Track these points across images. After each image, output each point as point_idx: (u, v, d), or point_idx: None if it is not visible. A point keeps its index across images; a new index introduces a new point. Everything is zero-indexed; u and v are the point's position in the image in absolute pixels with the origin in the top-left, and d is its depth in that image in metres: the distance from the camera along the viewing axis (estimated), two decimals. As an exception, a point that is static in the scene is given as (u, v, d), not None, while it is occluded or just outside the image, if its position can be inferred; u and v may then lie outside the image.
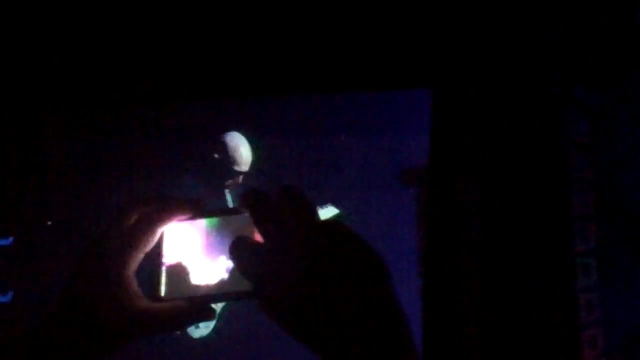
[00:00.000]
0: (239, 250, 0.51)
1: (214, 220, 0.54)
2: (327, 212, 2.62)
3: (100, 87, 1.69)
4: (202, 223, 0.54)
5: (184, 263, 0.53)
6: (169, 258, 0.53)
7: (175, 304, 0.52)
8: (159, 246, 0.53)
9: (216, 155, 2.41)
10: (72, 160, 2.36)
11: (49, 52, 1.64)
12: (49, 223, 2.45)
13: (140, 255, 0.52)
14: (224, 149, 2.40)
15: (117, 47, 1.63)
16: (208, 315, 0.52)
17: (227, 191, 2.61)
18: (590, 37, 1.45)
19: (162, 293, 0.53)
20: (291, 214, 0.50)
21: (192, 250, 0.54)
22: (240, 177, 2.44)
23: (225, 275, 0.52)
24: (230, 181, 2.51)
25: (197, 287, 0.53)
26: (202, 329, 2.60)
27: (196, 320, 0.53)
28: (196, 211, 0.53)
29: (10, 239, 2.21)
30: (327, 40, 1.59)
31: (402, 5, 1.54)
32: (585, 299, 1.48)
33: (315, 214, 0.50)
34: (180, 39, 1.63)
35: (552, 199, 1.47)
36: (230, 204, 2.67)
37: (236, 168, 2.45)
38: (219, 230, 0.53)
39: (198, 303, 0.52)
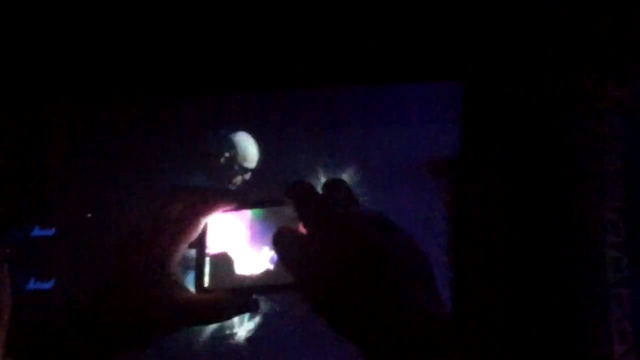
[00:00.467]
0: (282, 240, 0.52)
1: (258, 211, 0.55)
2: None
3: (118, 80, 1.72)
4: (246, 214, 0.55)
5: (228, 254, 0.54)
6: (213, 249, 0.54)
7: (219, 295, 0.53)
8: (203, 237, 0.54)
9: (227, 154, 2.53)
10: (112, 154, 2.47)
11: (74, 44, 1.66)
12: (89, 215, 2.59)
13: (184, 246, 0.53)
14: (234, 147, 2.52)
15: (122, 42, 1.65)
16: (252, 306, 0.53)
17: (234, 188, 2.75)
18: (622, 30, 1.44)
19: (206, 284, 0.54)
20: (336, 206, 0.51)
21: (236, 241, 0.54)
22: (249, 174, 2.53)
23: (270, 267, 0.53)
24: (239, 177, 2.61)
25: (241, 278, 0.53)
26: (247, 323, 2.66)
27: (239, 311, 0.54)
28: (240, 202, 0.54)
29: (53, 229, 2.45)
30: (357, 31, 1.59)
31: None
32: (615, 293, 1.48)
33: (358, 206, 0.51)
34: (184, 30, 1.64)
35: (583, 192, 1.47)
36: None
37: (246, 165, 2.55)
38: (263, 221, 0.54)
39: (242, 294, 0.53)
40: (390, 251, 0.47)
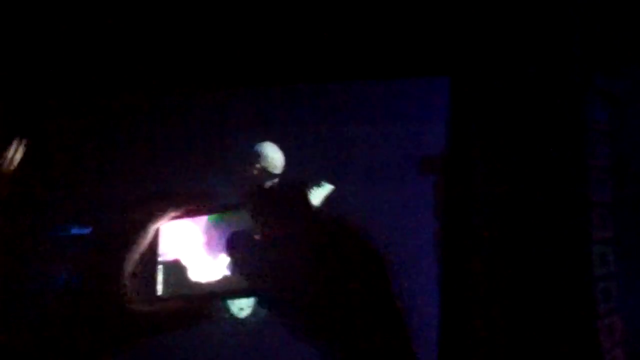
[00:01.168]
0: (236, 246, 0.51)
1: (215, 216, 0.53)
2: (322, 190, 2.67)
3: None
4: (203, 220, 0.53)
5: (182, 261, 0.52)
6: (166, 256, 0.52)
7: (172, 304, 0.51)
8: (155, 244, 0.52)
9: (258, 166, 2.61)
10: (149, 154, 2.52)
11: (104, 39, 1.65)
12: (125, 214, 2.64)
13: (134, 255, 0.51)
14: (264, 158, 2.60)
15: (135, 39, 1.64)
16: (205, 314, 0.52)
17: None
18: (610, 23, 1.44)
19: (159, 292, 0.52)
20: (290, 209, 0.50)
21: (192, 247, 0.53)
22: (277, 180, 2.61)
23: (227, 273, 0.51)
24: (269, 183, 2.68)
25: (197, 285, 0.52)
26: (246, 310, 2.73)
27: (193, 320, 0.53)
28: (190, 208, 0.53)
29: (89, 228, 2.40)
30: (344, 28, 1.59)
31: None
32: (602, 288, 1.48)
33: (314, 210, 0.50)
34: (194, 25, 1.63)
35: (570, 187, 1.47)
36: None
37: (275, 172, 2.63)
38: (220, 226, 0.52)
39: (196, 302, 0.51)
40: (342, 252, 0.47)
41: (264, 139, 2.87)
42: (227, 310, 2.66)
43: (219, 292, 0.52)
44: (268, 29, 1.61)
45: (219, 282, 0.52)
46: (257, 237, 0.50)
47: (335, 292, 0.47)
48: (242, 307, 2.66)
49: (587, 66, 1.45)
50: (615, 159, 1.47)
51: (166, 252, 0.53)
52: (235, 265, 0.51)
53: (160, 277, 0.53)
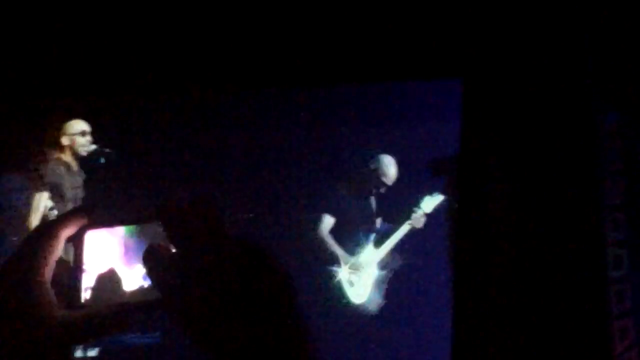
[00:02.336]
0: (150, 258, 0.51)
1: (132, 228, 0.54)
2: (434, 200, 2.72)
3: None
4: (120, 231, 0.54)
5: (105, 270, 0.53)
6: (89, 265, 0.53)
7: (90, 312, 0.52)
8: (79, 253, 0.53)
9: (371, 166, 2.69)
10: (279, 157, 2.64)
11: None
12: (251, 215, 2.75)
13: (49, 263, 0.52)
14: (378, 163, 2.68)
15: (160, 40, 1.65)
16: (123, 323, 0.52)
17: (372, 198, 2.90)
18: (621, 30, 1.44)
19: (82, 300, 0.52)
20: (201, 224, 0.50)
21: (112, 257, 0.53)
22: (385, 188, 2.70)
23: (143, 283, 0.52)
24: (375, 190, 2.76)
25: (117, 294, 0.52)
26: (363, 296, 2.85)
27: (112, 329, 0.53)
28: (87, 216, 0.53)
29: None
30: (357, 30, 1.59)
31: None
32: (616, 290, 1.47)
33: (224, 226, 0.50)
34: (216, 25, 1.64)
35: (583, 190, 1.46)
36: (374, 209, 2.82)
37: (384, 180, 2.70)
38: (139, 238, 0.53)
39: (115, 311, 0.52)
40: (249, 271, 0.48)
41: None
42: (345, 297, 2.78)
43: (136, 303, 0.53)
44: (286, 35, 1.61)
45: (136, 292, 0.52)
46: (170, 249, 0.51)
47: (235, 310, 0.48)
48: (359, 293, 2.82)
49: (598, 71, 1.44)
50: (626, 161, 1.47)
51: (90, 261, 0.54)
52: (149, 276, 0.51)
53: (83, 286, 0.53)
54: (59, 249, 0.53)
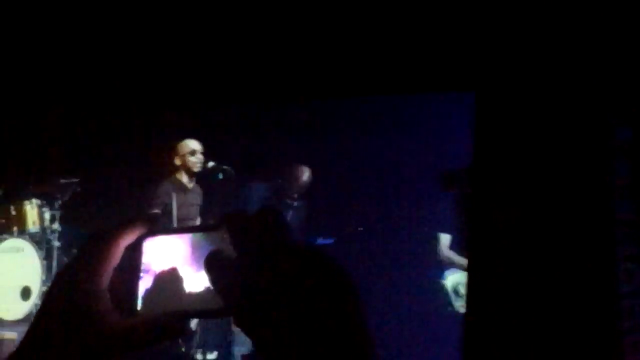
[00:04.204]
0: (213, 264, 0.52)
1: (196, 236, 0.54)
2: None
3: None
4: (185, 238, 0.54)
5: (164, 277, 0.53)
6: (148, 272, 0.54)
7: (148, 319, 0.52)
8: (137, 261, 0.53)
9: (280, 181, 2.88)
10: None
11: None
12: (360, 229, 2.85)
13: (106, 270, 0.53)
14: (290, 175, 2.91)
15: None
16: (182, 331, 0.53)
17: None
18: (634, 46, 1.43)
19: (139, 307, 0.53)
20: (267, 233, 0.51)
21: (174, 265, 0.54)
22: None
23: (206, 291, 0.52)
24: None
25: (175, 302, 0.53)
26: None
27: (169, 336, 0.54)
28: (148, 225, 0.54)
29: (332, 239, 2.89)
30: (370, 42, 1.60)
31: (448, 9, 1.54)
32: (628, 305, 1.46)
33: (289, 236, 0.51)
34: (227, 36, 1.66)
35: (595, 204, 1.46)
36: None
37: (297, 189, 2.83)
38: (200, 246, 0.53)
39: (173, 319, 0.52)
40: (314, 278, 0.48)
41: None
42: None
43: (197, 310, 0.53)
44: (300, 46, 1.63)
45: (196, 300, 0.53)
46: (234, 256, 0.51)
47: (300, 317, 0.49)
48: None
49: (610, 87, 1.43)
50: (638, 177, 1.46)
51: (148, 268, 0.54)
52: (212, 283, 0.52)
53: (140, 293, 0.54)
54: (117, 257, 0.54)
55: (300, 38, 1.62)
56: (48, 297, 0.53)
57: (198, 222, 2.76)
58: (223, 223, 0.53)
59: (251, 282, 0.50)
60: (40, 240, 3.28)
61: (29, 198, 3.19)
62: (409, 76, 1.59)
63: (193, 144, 2.83)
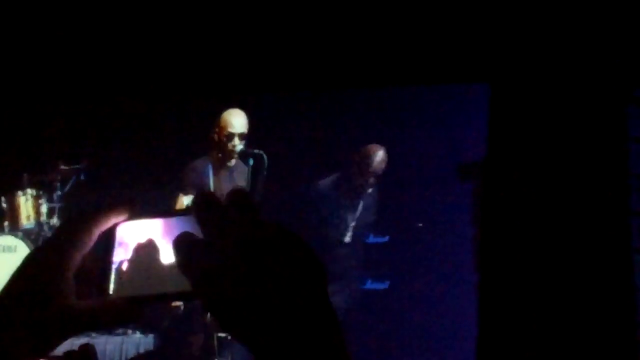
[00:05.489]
0: (181, 245, 0.52)
1: (171, 220, 0.55)
2: None
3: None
4: (156, 223, 0.54)
5: (136, 262, 0.54)
6: (120, 257, 0.54)
7: (107, 303, 0.53)
8: (109, 245, 0.54)
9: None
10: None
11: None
12: (420, 224, 2.82)
13: (76, 255, 0.53)
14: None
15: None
16: (137, 317, 0.53)
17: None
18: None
19: (111, 292, 0.54)
20: (235, 214, 0.51)
21: (145, 249, 0.54)
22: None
23: (175, 275, 0.53)
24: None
25: (146, 286, 0.53)
26: None
27: (124, 320, 0.54)
28: (127, 212, 0.54)
29: (387, 237, 2.82)
30: (385, 33, 1.60)
31: (463, 2, 1.54)
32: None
33: (258, 216, 0.51)
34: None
35: (610, 197, 1.46)
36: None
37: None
38: (171, 230, 0.54)
39: (147, 302, 0.53)
40: (282, 259, 0.49)
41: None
42: None
43: (163, 294, 0.53)
44: (316, 37, 1.62)
45: (165, 284, 0.53)
46: (200, 239, 0.52)
47: (268, 297, 0.49)
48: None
49: (628, 77, 1.44)
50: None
51: (121, 252, 0.55)
52: (178, 266, 0.52)
53: (112, 277, 0.55)
54: (90, 241, 0.55)
55: (316, 31, 1.61)
56: (15, 276, 0.54)
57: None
58: (192, 207, 0.54)
59: (219, 262, 0.51)
60: (36, 238, 2.91)
61: (22, 188, 2.90)
62: (421, 68, 1.58)
63: (236, 120, 2.57)
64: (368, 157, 2.66)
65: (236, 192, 0.52)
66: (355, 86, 1.73)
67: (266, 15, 1.63)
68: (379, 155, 2.67)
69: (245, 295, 0.49)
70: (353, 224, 2.73)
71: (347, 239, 2.70)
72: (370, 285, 2.67)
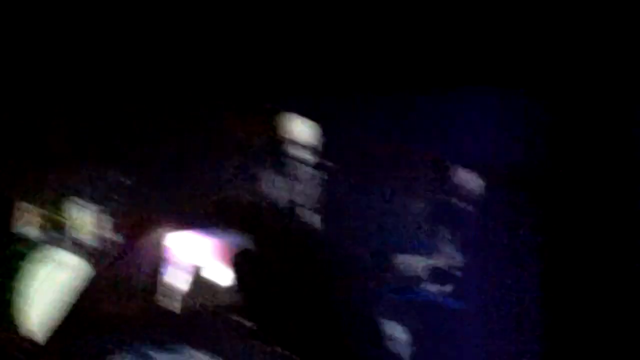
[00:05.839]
0: (238, 261, 0.53)
1: (216, 232, 0.56)
2: None
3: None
4: (204, 236, 0.56)
5: (194, 271, 0.55)
6: (169, 268, 0.55)
7: (179, 306, 0.54)
8: (158, 257, 0.55)
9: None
10: None
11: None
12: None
13: (127, 266, 0.54)
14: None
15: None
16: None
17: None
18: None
19: (160, 299, 0.55)
20: (282, 230, 0.52)
21: (203, 260, 0.55)
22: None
23: (230, 285, 0.53)
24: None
25: (204, 295, 0.54)
26: None
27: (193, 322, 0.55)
28: (176, 224, 0.55)
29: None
30: (426, 37, 1.60)
31: (496, 4, 1.54)
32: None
33: (306, 229, 0.52)
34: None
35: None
36: None
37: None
38: (219, 242, 0.54)
39: (185, 313, 0.54)
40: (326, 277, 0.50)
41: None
42: None
43: (220, 306, 0.54)
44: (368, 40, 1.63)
45: (222, 293, 0.54)
46: (255, 253, 0.52)
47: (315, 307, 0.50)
48: None
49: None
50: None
51: (170, 263, 0.56)
52: (236, 278, 0.53)
53: (161, 287, 0.56)
54: (142, 254, 0.56)
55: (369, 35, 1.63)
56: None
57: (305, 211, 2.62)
58: (242, 220, 0.54)
59: (269, 276, 0.52)
60: (94, 253, 2.97)
61: (82, 202, 2.93)
62: (456, 73, 1.59)
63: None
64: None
65: (282, 210, 0.54)
66: (388, 91, 1.74)
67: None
68: None
69: (289, 306, 0.50)
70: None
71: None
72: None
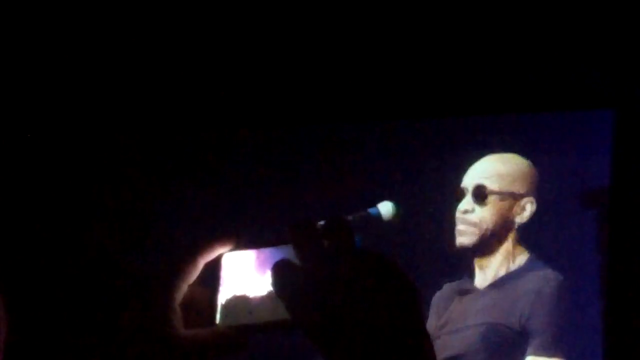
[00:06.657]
0: (278, 272, 0.53)
1: (271, 250, 0.56)
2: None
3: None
4: (260, 253, 0.56)
5: (242, 291, 0.55)
6: (227, 286, 0.55)
7: (217, 331, 0.54)
8: (214, 276, 0.55)
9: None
10: None
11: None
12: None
13: (182, 285, 0.54)
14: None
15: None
16: (243, 345, 0.54)
17: None
18: None
19: (217, 321, 0.55)
20: (331, 242, 0.52)
21: (250, 278, 0.55)
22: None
23: (278, 304, 0.53)
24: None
25: (250, 315, 0.54)
26: None
27: (233, 350, 0.55)
28: (232, 242, 0.55)
29: None
30: (508, 60, 1.60)
31: (588, 26, 1.53)
32: None
33: (354, 243, 0.51)
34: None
35: None
36: None
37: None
38: (275, 260, 0.55)
39: (252, 332, 0.54)
40: (378, 286, 0.48)
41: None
42: None
43: (272, 323, 0.54)
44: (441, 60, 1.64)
45: (272, 313, 0.54)
46: (297, 266, 0.52)
47: (365, 324, 0.49)
48: None
49: None
50: None
51: (227, 282, 0.56)
52: (277, 294, 0.52)
53: (219, 307, 0.55)
54: (196, 273, 0.56)
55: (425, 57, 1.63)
56: (125, 313, 0.55)
57: None
58: (289, 235, 0.54)
59: (316, 289, 0.51)
60: None
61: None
62: (545, 94, 1.57)
63: None
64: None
65: (335, 222, 0.54)
66: (479, 113, 1.73)
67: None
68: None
69: (340, 323, 0.49)
70: None
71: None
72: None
